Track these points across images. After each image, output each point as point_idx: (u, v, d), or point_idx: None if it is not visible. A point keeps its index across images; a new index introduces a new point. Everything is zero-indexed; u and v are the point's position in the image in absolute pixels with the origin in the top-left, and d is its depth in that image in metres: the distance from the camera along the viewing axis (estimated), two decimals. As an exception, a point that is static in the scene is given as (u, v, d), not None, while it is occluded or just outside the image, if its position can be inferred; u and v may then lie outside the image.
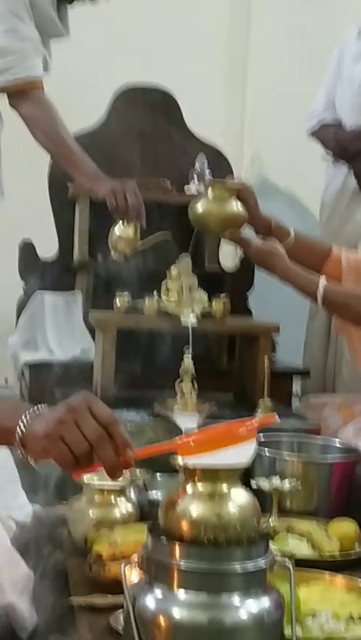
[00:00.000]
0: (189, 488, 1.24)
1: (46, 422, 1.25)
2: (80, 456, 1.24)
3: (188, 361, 2.51)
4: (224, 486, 1.24)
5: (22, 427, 1.27)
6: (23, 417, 1.28)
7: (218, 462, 1.24)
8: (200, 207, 2.53)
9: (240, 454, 1.25)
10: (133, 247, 2.77)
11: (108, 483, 1.89)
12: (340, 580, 1.70)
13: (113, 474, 1.26)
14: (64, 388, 2.88)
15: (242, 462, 1.25)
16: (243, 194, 2.54)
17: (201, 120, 4.01)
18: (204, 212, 2.53)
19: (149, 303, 2.66)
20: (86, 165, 2.83)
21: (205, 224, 2.55)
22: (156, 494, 2.07)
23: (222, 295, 2.75)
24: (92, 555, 1.75)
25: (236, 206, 2.52)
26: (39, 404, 1.31)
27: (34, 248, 3.69)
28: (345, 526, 2.03)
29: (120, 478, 1.28)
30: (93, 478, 1.97)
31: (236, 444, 1.25)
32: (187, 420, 2.41)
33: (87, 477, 1.97)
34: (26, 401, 3.22)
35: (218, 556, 1.21)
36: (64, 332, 3.45)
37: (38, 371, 3.18)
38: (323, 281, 2.42)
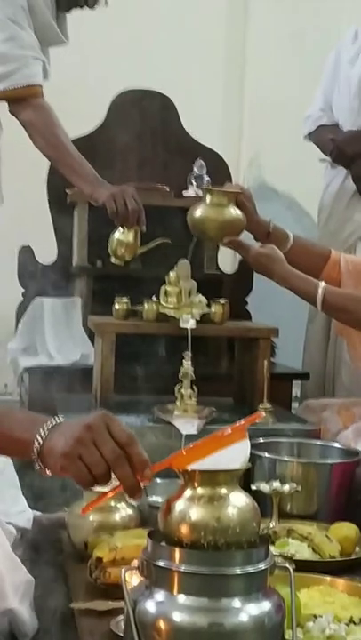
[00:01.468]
0: (189, 492, 1.24)
1: (65, 440, 1.25)
2: (98, 476, 1.24)
3: (187, 365, 2.51)
4: (223, 490, 1.24)
5: (40, 441, 1.27)
6: (41, 430, 1.28)
7: (216, 465, 1.24)
8: (198, 214, 2.54)
9: (235, 455, 1.25)
10: (133, 252, 2.77)
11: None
12: (340, 583, 1.70)
13: (132, 493, 1.26)
14: (64, 393, 2.89)
15: (239, 463, 1.25)
16: (241, 198, 2.54)
17: (199, 123, 4.02)
18: (202, 219, 2.53)
19: (148, 308, 2.66)
20: (86, 171, 2.83)
21: (203, 231, 2.55)
22: (156, 499, 2.07)
23: (221, 299, 2.76)
24: (92, 560, 1.75)
25: (234, 212, 2.52)
26: (56, 415, 1.30)
27: (33, 253, 3.70)
28: (346, 529, 2.03)
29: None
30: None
31: (228, 446, 1.25)
32: (186, 425, 2.41)
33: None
34: (25, 405, 3.23)
35: (218, 559, 1.21)
36: (63, 337, 3.45)
37: (38, 376, 3.18)
38: (322, 284, 2.42)
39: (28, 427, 1.29)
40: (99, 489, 1.90)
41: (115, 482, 1.27)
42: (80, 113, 3.70)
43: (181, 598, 1.20)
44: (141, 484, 1.26)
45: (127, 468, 1.24)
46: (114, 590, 1.62)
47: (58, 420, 1.29)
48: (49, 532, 2.05)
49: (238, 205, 2.54)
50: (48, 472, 1.28)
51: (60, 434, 1.26)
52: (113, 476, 1.25)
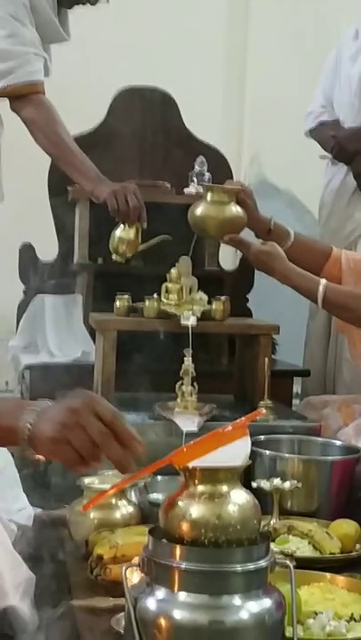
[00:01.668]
0: (190, 489, 1.25)
1: (51, 425, 1.26)
2: (87, 457, 1.25)
3: (188, 362, 2.52)
4: (224, 487, 1.24)
5: (29, 427, 1.28)
6: (27, 417, 1.29)
7: (217, 462, 1.24)
8: (198, 212, 2.53)
9: (236, 452, 1.25)
10: (134, 249, 2.77)
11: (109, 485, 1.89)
12: (341, 579, 1.70)
13: (124, 469, 1.27)
14: (65, 390, 2.89)
15: (240, 461, 1.25)
16: (242, 196, 2.54)
17: (200, 121, 4.01)
18: (202, 216, 2.53)
19: (149, 305, 2.66)
20: (87, 168, 2.83)
21: (204, 229, 2.55)
22: (156, 496, 2.07)
23: (222, 296, 2.76)
24: (93, 557, 1.75)
25: (234, 210, 2.51)
26: (40, 399, 1.31)
27: (34, 251, 3.70)
28: (346, 526, 2.03)
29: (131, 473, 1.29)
30: (94, 481, 1.98)
31: (229, 443, 1.26)
32: (187, 422, 2.41)
33: (88, 480, 1.98)
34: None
35: (218, 556, 1.21)
36: (64, 334, 3.45)
37: (39, 373, 3.18)
38: (323, 282, 2.42)
39: (16, 414, 1.30)
40: (100, 486, 1.92)
41: (114, 477, 1.28)
42: (81, 110, 3.70)
43: (182, 595, 1.20)
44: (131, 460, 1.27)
45: (115, 445, 1.25)
46: (114, 587, 1.62)
47: (43, 405, 1.30)
48: (50, 530, 2.05)
49: (239, 203, 2.54)
50: (39, 457, 1.30)
51: (47, 419, 1.27)
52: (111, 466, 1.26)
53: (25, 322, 3.53)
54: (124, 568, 1.26)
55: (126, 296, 2.74)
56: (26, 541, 1.86)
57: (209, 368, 3.16)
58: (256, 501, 1.27)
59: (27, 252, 3.70)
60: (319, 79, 3.65)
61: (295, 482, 2.08)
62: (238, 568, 1.21)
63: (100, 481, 1.98)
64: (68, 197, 3.57)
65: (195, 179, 3.72)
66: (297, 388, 3.63)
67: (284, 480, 2.08)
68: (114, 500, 1.92)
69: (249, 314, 3.78)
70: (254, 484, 2.03)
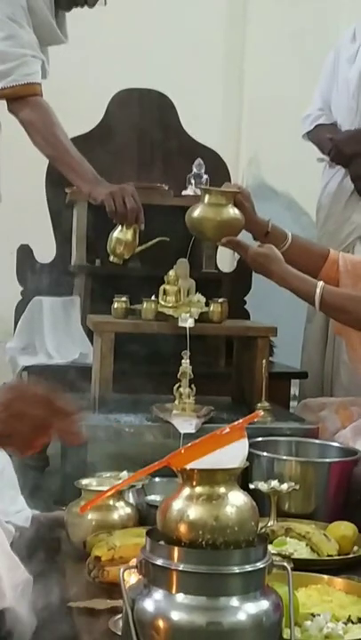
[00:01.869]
0: (187, 491, 1.25)
1: None
2: (37, 439, 1.31)
3: (185, 364, 2.52)
4: (222, 489, 1.24)
5: None
6: None
7: (214, 464, 1.24)
8: (196, 214, 2.53)
9: (233, 454, 1.25)
10: (132, 251, 2.77)
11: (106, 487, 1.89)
12: (338, 581, 1.70)
13: (74, 439, 1.33)
14: (62, 392, 2.88)
15: (237, 462, 1.25)
16: (239, 198, 2.54)
17: (198, 123, 4.02)
18: (200, 218, 2.53)
19: (147, 307, 2.66)
20: (85, 170, 2.83)
21: (202, 231, 2.55)
22: (154, 497, 2.07)
23: (220, 298, 2.76)
24: (90, 558, 1.75)
25: (232, 212, 2.52)
26: None
27: (32, 252, 3.70)
28: (343, 528, 2.03)
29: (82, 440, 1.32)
30: (92, 483, 1.98)
31: (226, 445, 1.26)
32: (185, 424, 2.41)
33: (86, 482, 1.98)
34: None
35: (216, 558, 1.21)
36: (62, 336, 3.45)
37: (37, 375, 3.18)
38: (320, 284, 2.42)
39: None
40: (97, 488, 1.92)
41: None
42: (79, 112, 3.71)
43: (180, 597, 1.20)
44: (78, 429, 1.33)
45: (58, 419, 1.31)
46: (112, 589, 1.63)
47: None
48: (47, 531, 2.05)
49: (237, 205, 2.54)
50: None
51: None
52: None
53: (23, 323, 3.53)
54: (121, 570, 1.26)
55: (124, 298, 2.73)
56: (24, 543, 1.86)
57: (207, 370, 3.16)
58: (254, 503, 1.27)
59: (24, 254, 3.70)
60: (318, 81, 3.65)
61: (293, 484, 2.08)
62: (236, 570, 1.21)
63: (97, 483, 1.98)
64: (65, 199, 3.57)
65: (192, 181, 3.73)
66: (294, 390, 3.63)
67: (281, 482, 2.08)
68: (111, 502, 1.93)
69: (247, 316, 3.79)
70: (252, 486, 2.03)
